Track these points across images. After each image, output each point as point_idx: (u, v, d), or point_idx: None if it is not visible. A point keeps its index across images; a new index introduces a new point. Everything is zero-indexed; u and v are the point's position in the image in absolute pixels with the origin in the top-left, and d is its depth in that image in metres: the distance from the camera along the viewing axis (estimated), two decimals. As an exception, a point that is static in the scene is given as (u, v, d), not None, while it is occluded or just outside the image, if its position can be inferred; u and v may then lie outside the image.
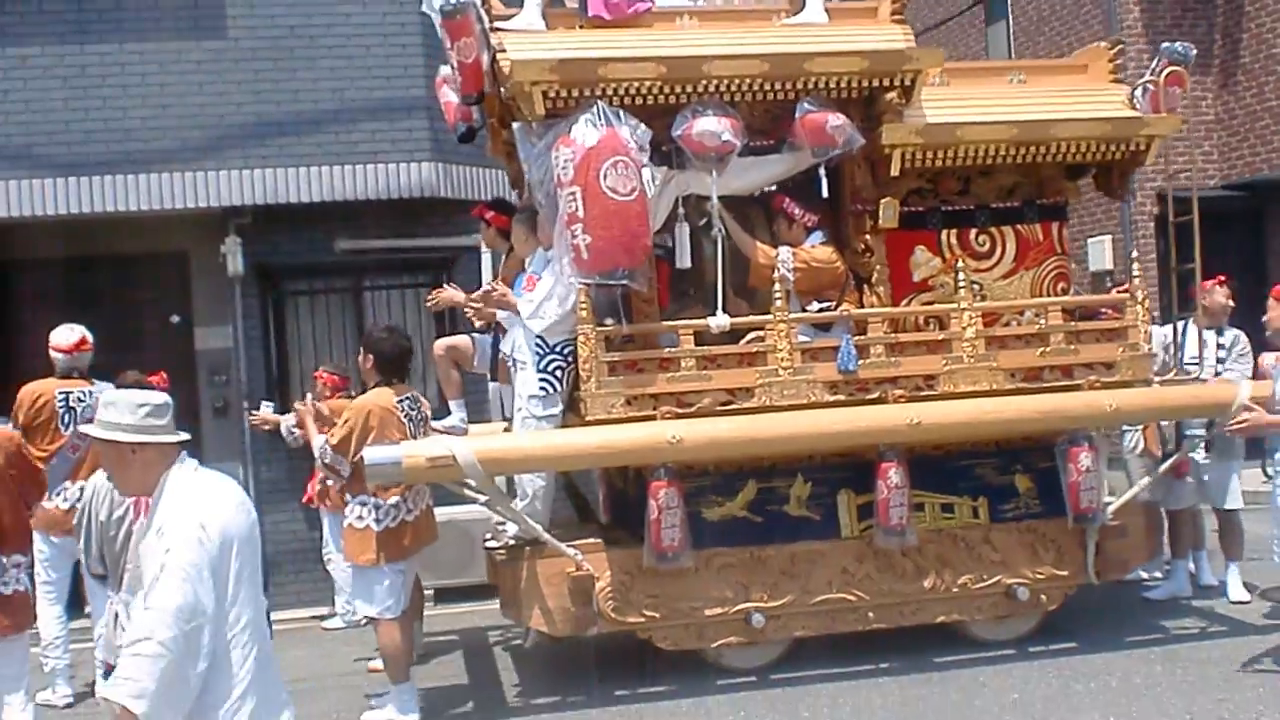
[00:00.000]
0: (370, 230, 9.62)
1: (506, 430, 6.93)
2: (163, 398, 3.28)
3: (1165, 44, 6.99)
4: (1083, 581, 6.80)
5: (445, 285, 7.59)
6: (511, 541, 6.38)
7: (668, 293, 6.54)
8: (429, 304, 7.50)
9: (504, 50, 6.32)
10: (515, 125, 6.31)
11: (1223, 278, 7.25)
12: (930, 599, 6.58)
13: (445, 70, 7.58)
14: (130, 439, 3.18)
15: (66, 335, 7.04)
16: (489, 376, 7.62)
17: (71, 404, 6.95)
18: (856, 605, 6.51)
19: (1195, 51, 7.02)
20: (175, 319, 9.87)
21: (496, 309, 6.44)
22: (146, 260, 9.82)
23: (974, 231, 6.77)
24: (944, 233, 6.73)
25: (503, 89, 6.44)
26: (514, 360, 6.36)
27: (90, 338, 7.09)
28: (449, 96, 7.49)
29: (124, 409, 3.21)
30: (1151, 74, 6.94)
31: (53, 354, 7.12)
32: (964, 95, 6.83)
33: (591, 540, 6.35)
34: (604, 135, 5.90)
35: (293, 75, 9.16)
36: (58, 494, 6.66)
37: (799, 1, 7.02)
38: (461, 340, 7.39)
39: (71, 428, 6.79)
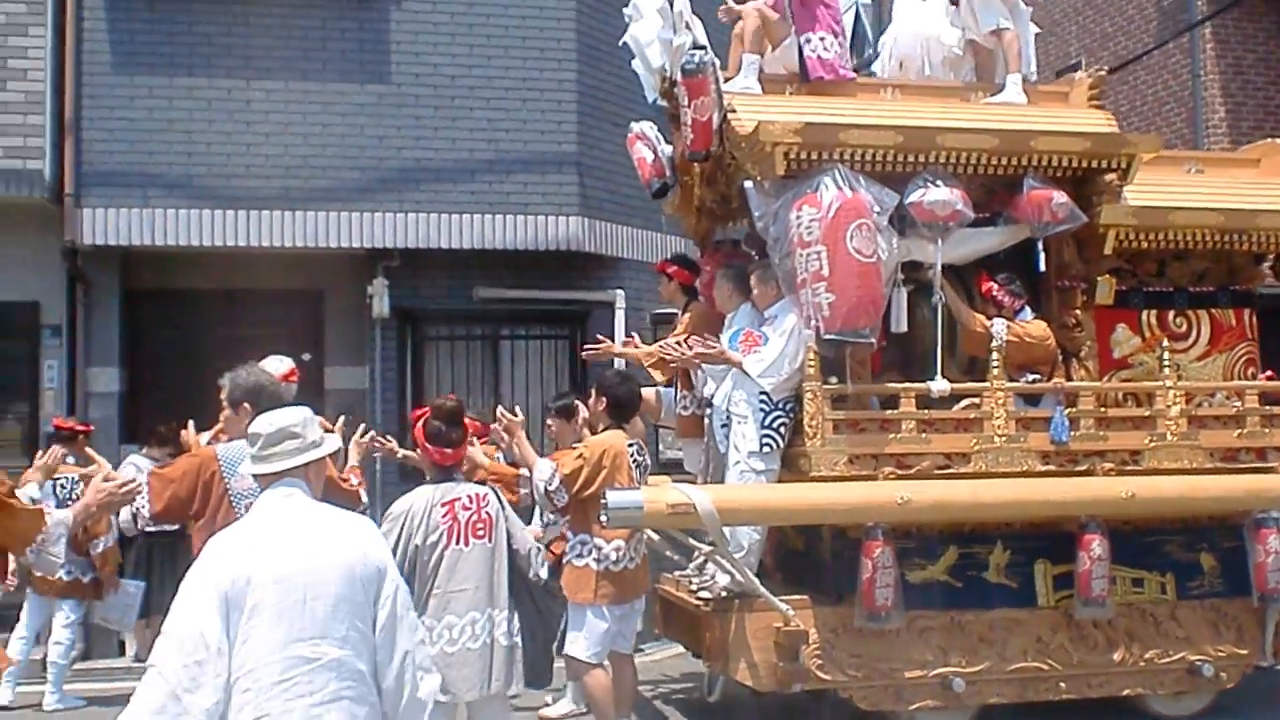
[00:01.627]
0: (508, 280, 9.71)
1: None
2: (258, 426, 3.23)
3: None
4: (1260, 661, 6.88)
5: (599, 338, 7.67)
6: (724, 593, 6.39)
7: (880, 356, 6.63)
8: (585, 355, 7.50)
9: (734, 111, 6.49)
10: (748, 184, 6.43)
11: None
12: (1118, 672, 6.61)
13: (638, 126, 7.75)
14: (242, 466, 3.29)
15: (277, 365, 6.95)
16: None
17: None
18: (1049, 675, 6.52)
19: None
20: (306, 357, 9.90)
21: (715, 364, 6.49)
22: (281, 296, 9.89)
23: (1172, 313, 6.94)
24: (1145, 313, 6.89)
25: (726, 147, 6.58)
26: (729, 415, 6.41)
27: (298, 370, 7.05)
28: (642, 153, 7.64)
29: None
30: (1336, 171, 7.18)
31: None
32: (1154, 181, 7.00)
33: (800, 596, 6.37)
34: (850, 198, 6.04)
35: (451, 124, 9.30)
36: None
37: (989, 80, 7.30)
38: (649, 393, 7.44)
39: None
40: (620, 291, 9.86)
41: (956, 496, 6.11)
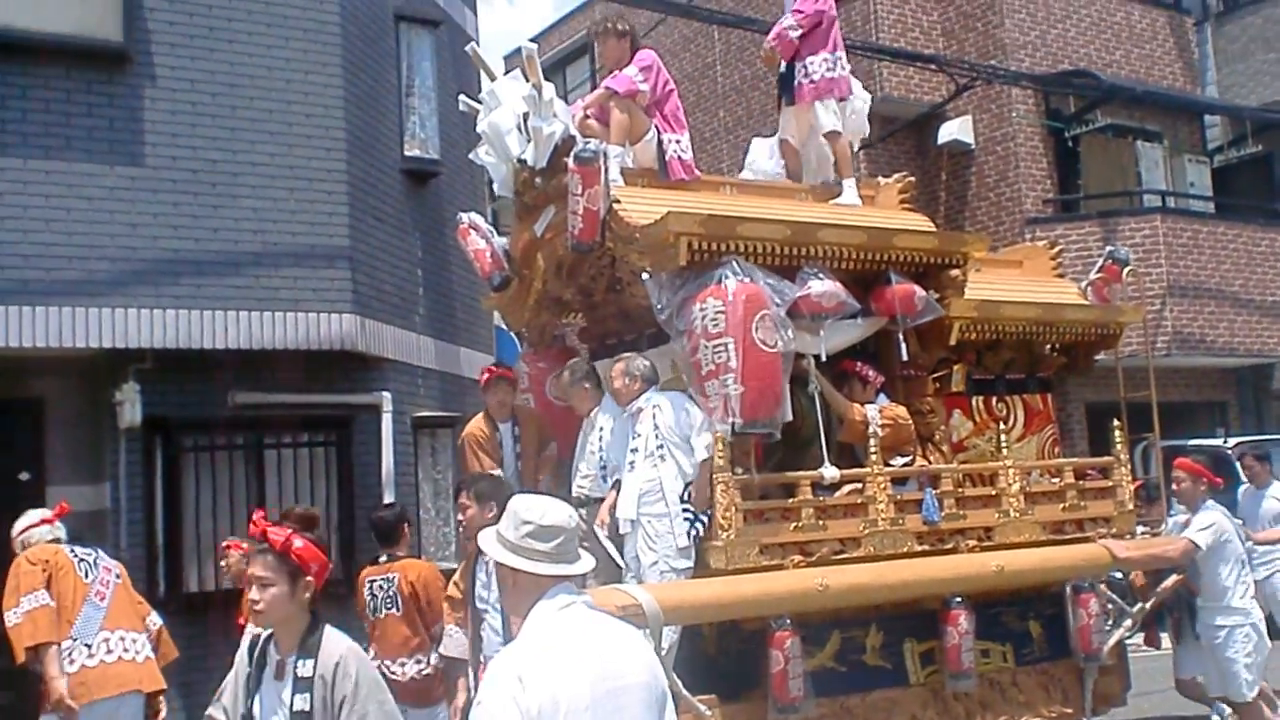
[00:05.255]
0: (267, 383, 8.86)
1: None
2: (556, 518, 2.81)
3: (1109, 248, 8.23)
4: (1081, 717, 7.48)
5: None
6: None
7: (760, 447, 6.66)
8: None
9: (619, 202, 6.41)
10: (646, 277, 6.30)
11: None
12: (977, 741, 6.96)
13: (468, 217, 7.46)
14: (502, 558, 2.76)
15: (40, 513, 6.50)
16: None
17: (80, 555, 6.21)
18: (922, 751, 6.75)
19: (1133, 256, 8.29)
20: (24, 476, 8.48)
21: None
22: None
23: (994, 399, 7.50)
24: (975, 399, 7.41)
25: (607, 238, 6.45)
26: (638, 518, 6.17)
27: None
28: (478, 244, 7.34)
29: (510, 521, 2.80)
30: (1097, 272, 8.13)
31: (34, 533, 6.36)
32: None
33: (708, 695, 6.20)
34: (753, 289, 6.10)
35: (213, 212, 8.47)
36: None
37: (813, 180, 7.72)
38: None
39: (90, 575, 6.09)
40: (386, 394, 9.30)
41: (866, 579, 6.22)
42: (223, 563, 7.45)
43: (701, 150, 17.26)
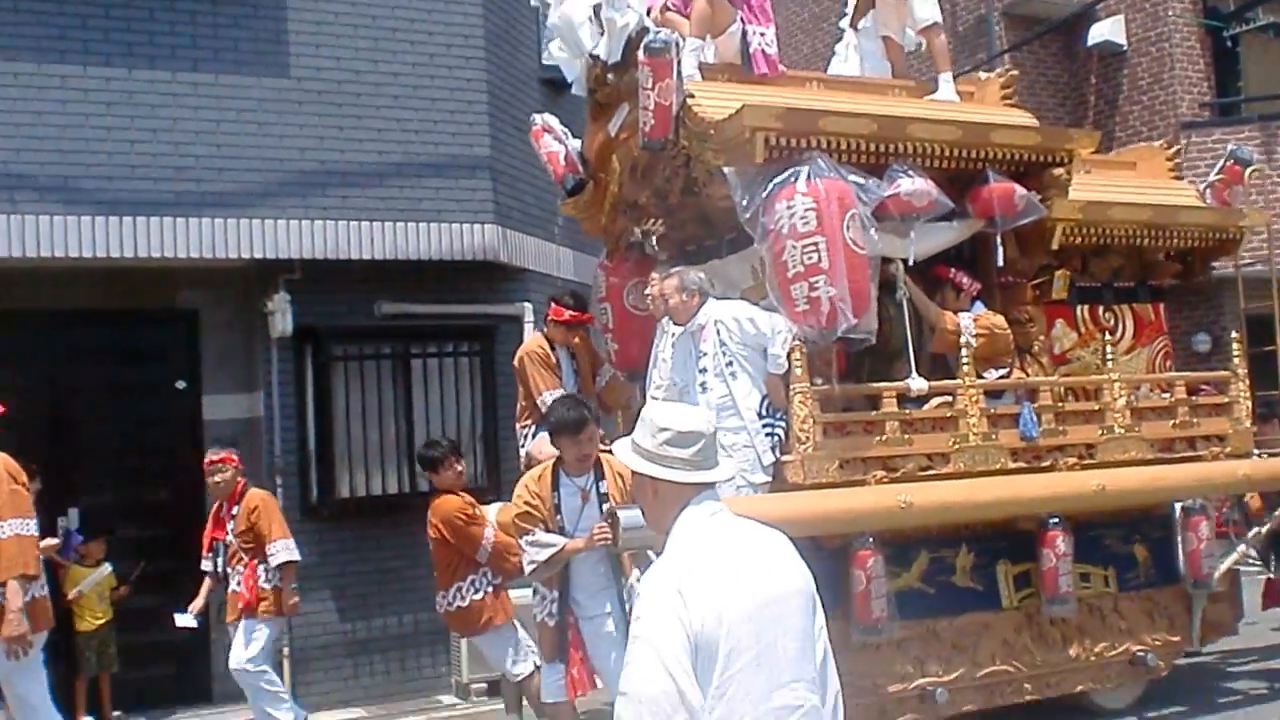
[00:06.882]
0: (411, 294, 8.23)
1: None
2: (693, 423, 2.39)
3: (1232, 146, 6.80)
4: (1188, 646, 6.34)
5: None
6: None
7: (842, 356, 5.69)
8: None
9: (693, 96, 5.47)
10: (728, 170, 5.35)
11: None
12: (1072, 668, 5.95)
13: (541, 119, 6.64)
14: (641, 468, 2.37)
15: None
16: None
17: None
18: (1015, 677, 5.80)
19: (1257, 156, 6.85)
20: (180, 385, 8.13)
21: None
22: (146, 317, 8.10)
23: (1101, 308, 6.34)
24: (1079, 308, 6.26)
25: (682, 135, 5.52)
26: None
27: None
28: (552, 147, 6.55)
29: (646, 429, 2.40)
30: (1217, 173, 6.72)
31: None
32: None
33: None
34: (843, 187, 5.13)
35: (357, 123, 7.79)
36: None
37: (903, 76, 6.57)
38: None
39: None
40: (528, 304, 8.58)
41: (955, 497, 5.28)
42: (213, 479, 6.45)
43: (785, 45, 15.64)
